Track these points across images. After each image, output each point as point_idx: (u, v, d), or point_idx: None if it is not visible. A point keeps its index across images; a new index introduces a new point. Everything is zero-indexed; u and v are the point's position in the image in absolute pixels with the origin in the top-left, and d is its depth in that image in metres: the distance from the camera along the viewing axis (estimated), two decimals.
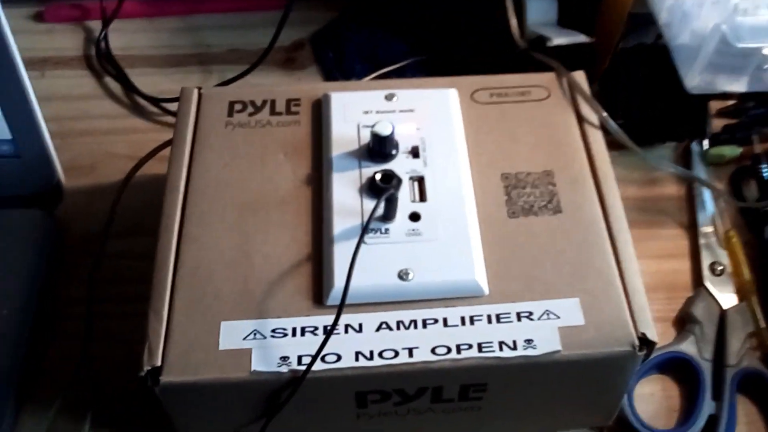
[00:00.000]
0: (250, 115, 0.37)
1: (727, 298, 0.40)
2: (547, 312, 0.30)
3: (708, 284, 0.40)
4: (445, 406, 0.32)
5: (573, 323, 0.30)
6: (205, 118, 0.37)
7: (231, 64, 0.51)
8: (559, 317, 0.30)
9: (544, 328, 0.30)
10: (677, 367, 0.38)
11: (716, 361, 0.38)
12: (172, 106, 0.48)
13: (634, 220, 0.45)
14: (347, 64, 0.51)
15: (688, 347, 0.38)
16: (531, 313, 0.30)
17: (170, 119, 0.48)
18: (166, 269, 0.31)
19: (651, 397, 0.37)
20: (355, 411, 0.32)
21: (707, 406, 0.36)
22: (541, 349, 0.29)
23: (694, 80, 0.39)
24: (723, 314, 0.39)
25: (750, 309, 0.39)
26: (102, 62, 0.51)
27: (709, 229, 0.43)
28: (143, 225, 0.42)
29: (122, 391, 0.36)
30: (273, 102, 0.37)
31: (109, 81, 0.50)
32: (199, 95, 0.38)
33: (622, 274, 0.31)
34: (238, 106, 0.37)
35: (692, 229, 0.44)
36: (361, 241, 0.30)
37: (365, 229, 0.30)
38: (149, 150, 0.43)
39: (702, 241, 0.42)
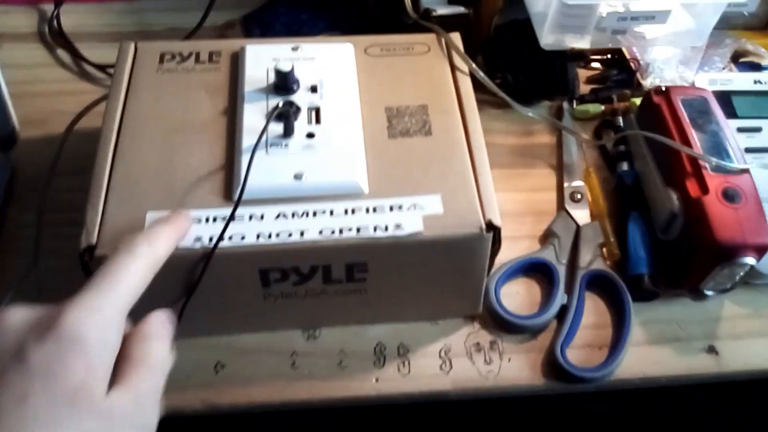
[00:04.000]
0: (178, 63, 0.44)
1: (583, 217, 0.48)
2: (414, 204, 0.38)
3: (568, 207, 0.49)
4: (336, 287, 0.39)
5: (434, 212, 0.38)
6: (139, 66, 0.44)
7: (170, 40, 0.58)
8: (423, 208, 0.38)
9: (411, 216, 0.37)
10: (538, 270, 0.46)
11: (570, 264, 0.46)
12: None
13: (512, 162, 0.53)
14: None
15: (547, 254, 0.46)
16: (401, 206, 0.38)
17: None
18: (102, 175, 0.38)
19: (516, 294, 0.45)
20: (261, 291, 0.38)
21: (559, 298, 0.44)
22: (407, 230, 0.37)
23: (547, 39, 0.47)
24: (578, 229, 0.47)
25: (602, 227, 0.48)
26: (54, 37, 0.58)
27: (572, 167, 0.51)
28: (86, 167, 0.49)
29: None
30: (198, 53, 0.45)
31: (61, 53, 0.57)
32: (135, 48, 0.45)
33: (477, 177, 0.39)
34: (167, 57, 0.44)
35: (560, 169, 0.52)
36: (256, 147, 0.37)
37: (260, 138, 0.37)
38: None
39: (566, 175, 0.51)
